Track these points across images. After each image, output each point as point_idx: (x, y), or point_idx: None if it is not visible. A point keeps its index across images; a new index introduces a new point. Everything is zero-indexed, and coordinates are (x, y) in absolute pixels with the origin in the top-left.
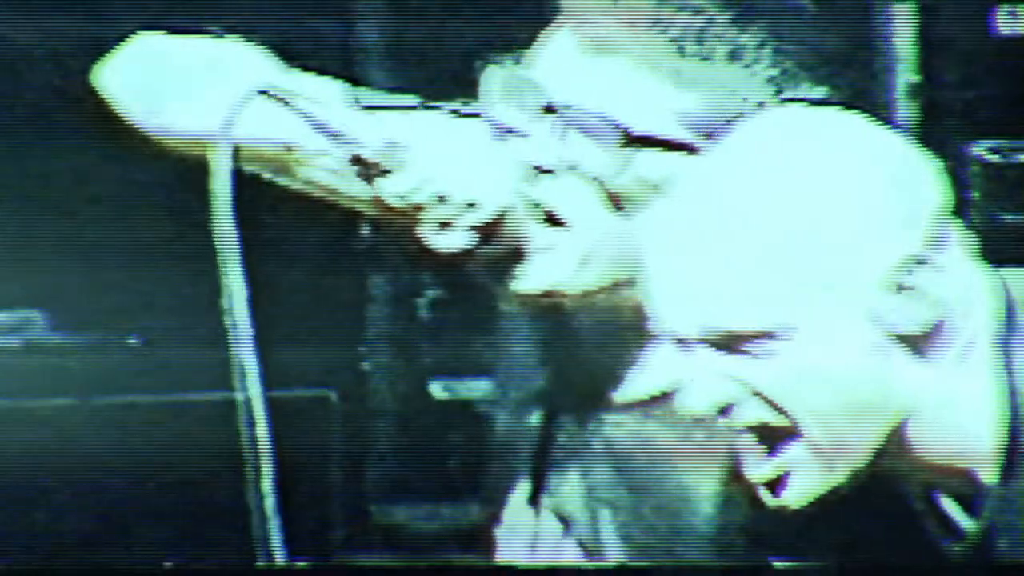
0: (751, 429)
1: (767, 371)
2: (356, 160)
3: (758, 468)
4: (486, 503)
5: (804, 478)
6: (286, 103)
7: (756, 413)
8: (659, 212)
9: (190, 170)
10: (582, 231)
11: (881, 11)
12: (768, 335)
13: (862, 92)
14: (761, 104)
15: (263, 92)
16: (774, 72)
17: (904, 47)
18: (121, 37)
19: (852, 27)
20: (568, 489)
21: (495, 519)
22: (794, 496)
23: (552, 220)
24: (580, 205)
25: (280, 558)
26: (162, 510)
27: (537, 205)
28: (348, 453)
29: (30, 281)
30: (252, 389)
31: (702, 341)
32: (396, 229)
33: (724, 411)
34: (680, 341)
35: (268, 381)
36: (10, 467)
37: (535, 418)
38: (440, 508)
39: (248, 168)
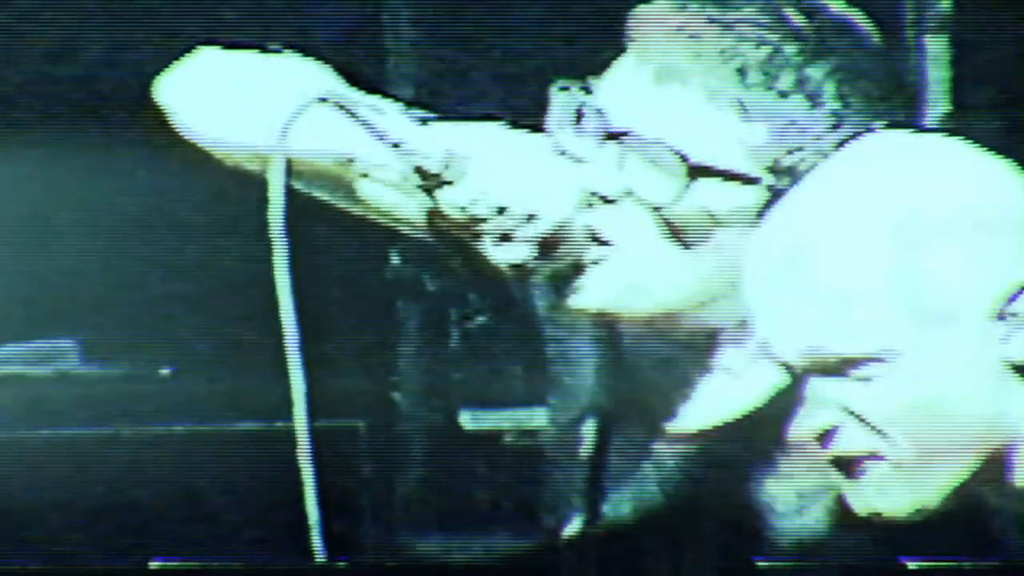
0: (847, 457)
1: (871, 396)
2: (418, 171)
3: (861, 498)
4: (540, 532)
5: (895, 496)
6: (348, 111)
7: (858, 438)
8: (764, 237)
9: (227, 202)
10: (634, 257)
11: (915, 42)
12: (873, 360)
13: (907, 124)
14: (820, 137)
15: (323, 100)
16: (837, 105)
17: (937, 77)
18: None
19: (901, 60)
20: (622, 513)
21: (550, 548)
22: (888, 513)
23: (606, 244)
24: (635, 232)
25: None
26: (193, 540)
27: (593, 230)
28: (377, 484)
29: (62, 310)
30: (300, 411)
31: (806, 366)
32: (428, 256)
33: (826, 436)
34: (785, 366)
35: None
36: (42, 498)
37: (589, 445)
38: (470, 541)
39: (302, 185)
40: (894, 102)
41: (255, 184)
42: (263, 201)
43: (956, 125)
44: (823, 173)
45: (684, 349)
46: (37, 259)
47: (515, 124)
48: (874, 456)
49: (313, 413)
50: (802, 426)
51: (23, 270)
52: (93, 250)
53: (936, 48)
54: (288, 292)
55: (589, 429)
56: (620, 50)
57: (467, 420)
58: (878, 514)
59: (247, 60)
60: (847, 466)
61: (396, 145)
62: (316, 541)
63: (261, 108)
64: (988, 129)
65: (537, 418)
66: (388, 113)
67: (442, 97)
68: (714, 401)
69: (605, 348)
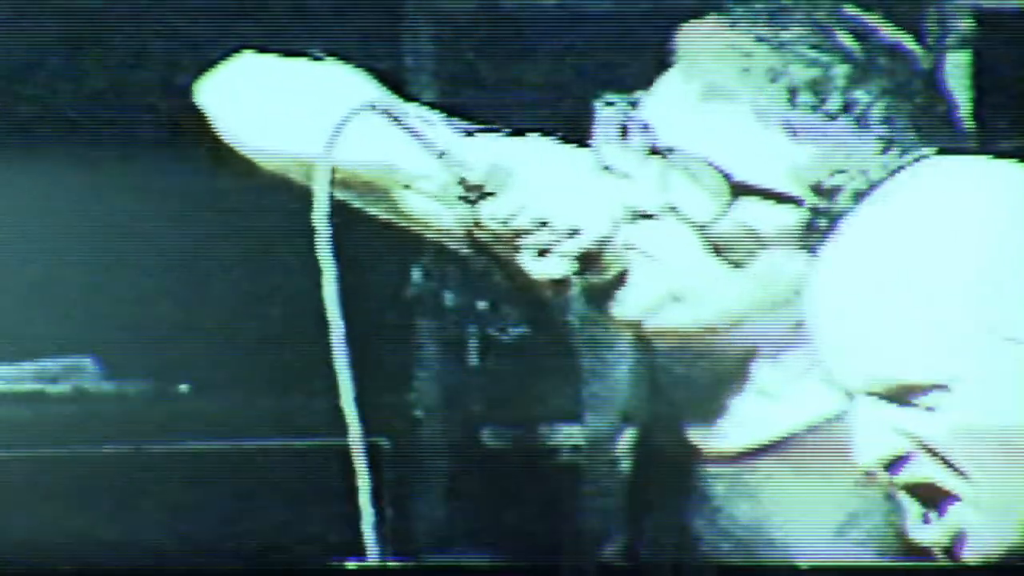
0: (915, 487)
1: (938, 425)
2: (461, 182)
3: (925, 531)
4: (571, 554)
5: (978, 539)
6: (396, 120)
7: (925, 468)
8: (827, 263)
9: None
10: (674, 273)
11: (936, 60)
12: (939, 387)
13: (956, 149)
14: (867, 160)
15: (372, 107)
16: (884, 129)
17: (960, 94)
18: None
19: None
20: (664, 536)
21: (581, 571)
22: (973, 556)
23: (648, 258)
24: (677, 248)
25: None
26: (213, 556)
27: (635, 245)
28: (398, 501)
29: (80, 327)
30: (353, 423)
31: (871, 393)
32: (447, 273)
33: (892, 466)
34: (848, 393)
35: (317, 429)
36: (61, 515)
37: (626, 465)
38: (492, 559)
39: (341, 194)
40: (940, 127)
41: (286, 195)
42: (292, 213)
43: (977, 144)
44: (891, 197)
45: (720, 368)
46: (55, 273)
47: (559, 138)
48: (952, 497)
49: (364, 418)
50: (868, 453)
51: (39, 284)
52: (111, 264)
53: (957, 65)
54: (336, 303)
55: (625, 445)
56: (665, 66)
57: (488, 437)
58: (942, 547)
59: (290, 66)
60: (923, 497)
61: (442, 155)
62: (369, 539)
63: (306, 115)
64: (1008, 149)
65: (572, 434)
66: (434, 123)
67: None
68: (753, 423)
69: (641, 364)
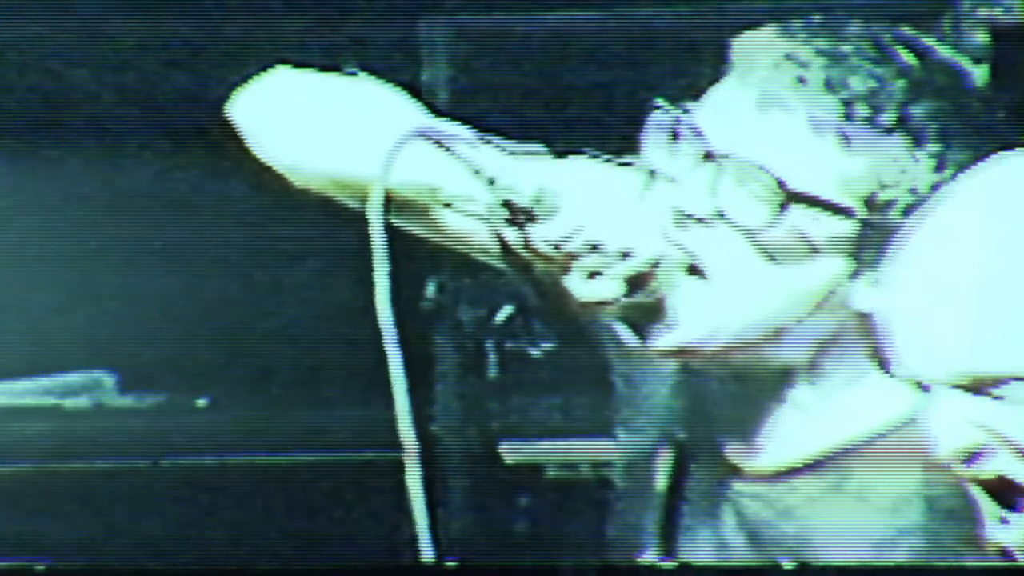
0: (992, 483)
1: (1016, 417)
2: (506, 205)
3: (1004, 532)
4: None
5: None
6: (444, 147)
7: (1002, 462)
8: (907, 256)
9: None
10: (726, 283)
11: None
12: (1019, 379)
13: None
14: (919, 177)
15: (421, 135)
16: (939, 147)
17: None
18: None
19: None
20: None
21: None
22: None
23: (697, 272)
24: (727, 256)
25: None
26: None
27: (684, 251)
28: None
29: (100, 342)
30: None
31: (950, 385)
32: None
33: (970, 459)
34: (924, 386)
35: (336, 443)
36: (80, 529)
37: (663, 482)
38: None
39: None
40: (994, 147)
41: (305, 211)
42: (312, 228)
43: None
44: (973, 188)
45: (758, 383)
46: (78, 287)
47: (607, 159)
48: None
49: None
50: (947, 446)
51: (60, 298)
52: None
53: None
54: (390, 321)
55: (662, 462)
56: (718, 75)
57: (506, 451)
58: (1021, 548)
59: (326, 82)
60: (1000, 495)
61: (492, 181)
62: (425, 543)
63: (341, 133)
64: None
65: (606, 449)
66: (480, 147)
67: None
68: (792, 440)
69: (677, 378)
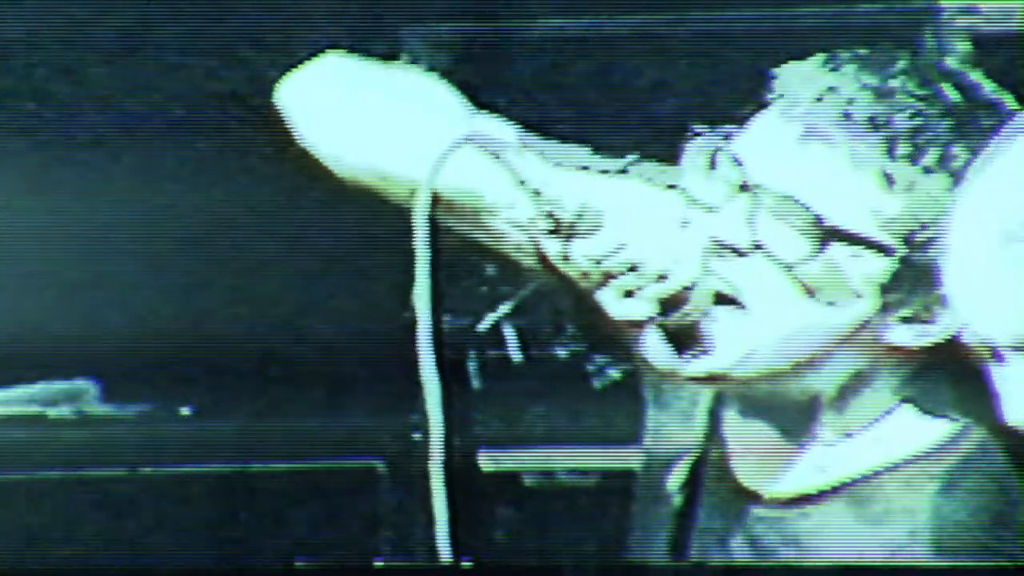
0: None
1: None
2: (550, 218)
3: None
4: None
5: None
6: (493, 155)
7: None
8: (973, 216)
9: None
10: (761, 313)
11: None
12: None
13: None
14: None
15: (470, 141)
16: None
17: None
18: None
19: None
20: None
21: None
22: None
23: (732, 300)
24: (763, 287)
25: None
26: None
27: (720, 279)
28: (395, 525)
29: (83, 351)
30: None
31: (1019, 349)
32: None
33: None
34: (994, 352)
35: (317, 451)
36: (61, 538)
37: (678, 500)
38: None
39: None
40: None
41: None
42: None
43: None
44: None
45: (783, 411)
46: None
47: (653, 181)
48: None
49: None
50: (1017, 410)
51: (44, 307)
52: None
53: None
54: (428, 324)
55: (680, 474)
56: (760, 104)
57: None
58: None
59: (376, 73)
60: None
61: (537, 193)
62: (443, 544)
63: (395, 131)
64: None
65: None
66: (527, 155)
67: None
68: (810, 468)
69: (702, 398)
